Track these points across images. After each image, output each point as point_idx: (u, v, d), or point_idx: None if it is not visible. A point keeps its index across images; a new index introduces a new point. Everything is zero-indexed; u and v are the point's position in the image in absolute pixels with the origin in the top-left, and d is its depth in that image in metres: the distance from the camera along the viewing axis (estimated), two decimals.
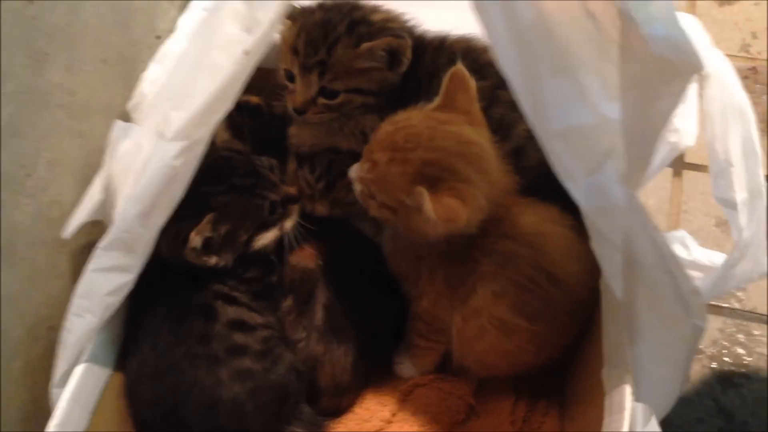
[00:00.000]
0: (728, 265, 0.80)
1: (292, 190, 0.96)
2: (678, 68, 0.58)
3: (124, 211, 0.77)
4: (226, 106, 0.77)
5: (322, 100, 0.95)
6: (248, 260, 0.93)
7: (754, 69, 1.50)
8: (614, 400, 0.76)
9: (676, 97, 0.61)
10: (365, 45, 0.91)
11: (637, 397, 0.73)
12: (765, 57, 1.53)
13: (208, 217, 0.85)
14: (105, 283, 0.79)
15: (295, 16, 0.95)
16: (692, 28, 0.85)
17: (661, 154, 0.86)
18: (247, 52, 0.73)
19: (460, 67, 0.83)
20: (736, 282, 0.80)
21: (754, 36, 1.57)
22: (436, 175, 0.79)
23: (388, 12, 0.98)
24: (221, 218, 0.87)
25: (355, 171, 0.86)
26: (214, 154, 0.91)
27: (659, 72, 0.59)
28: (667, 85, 0.60)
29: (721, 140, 0.80)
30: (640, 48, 0.57)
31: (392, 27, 0.95)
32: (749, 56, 1.53)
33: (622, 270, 0.70)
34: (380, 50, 0.92)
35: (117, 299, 0.80)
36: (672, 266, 0.66)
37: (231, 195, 0.89)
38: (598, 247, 0.73)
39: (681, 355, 0.71)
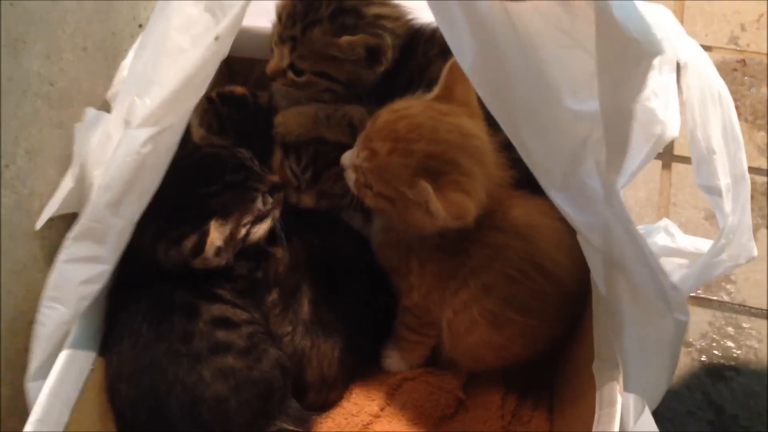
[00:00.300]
0: (715, 252, 0.79)
1: (275, 178, 0.95)
2: (642, 50, 0.58)
3: (93, 200, 0.75)
4: (197, 93, 0.75)
5: (290, 75, 0.95)
6: (241, 254, 0.92)
7: (742, 61, 1.50)
8: (605, 393, 0.76)
9: (642, 79, 0.61)
10: (344, 39, 0.90)
11: (627, 389, 0.73)
12: (753, 49, 1.53)
13: (214, 224, 0.84)
14: (77, 273, 0.77)
15: None
16: (662, 16, 0.84)
17: (647, 146, 0.85)
18: (218, 37, 0.71)
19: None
20: (723, 268, 0.80)
21: (742, 28, 1.57)
22: (439, 168, 0.78)
23: (389, 6, 0.97)
24: (223, 219, 0.86)
25: (348, 158, 0.85)
26: (199, 152, 0.89)
27: (627, 53, 0.58)
28: (635, 67, 0.60)
29: (702, 128, 0.80)
30: (611, 29, 0.57)
31: (383, 24, 0.93)
32: (738, 48, 1.53)
33: (602, 265, 0.69)
34: (358, 47, 0.90)
35: (91, 290, 0.78)
36: (651, 261, 0.66)
37: (226, 193, 0.88)
38: (583, 242, 0.73)
39: (665, 348, 0.71)
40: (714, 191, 0.80)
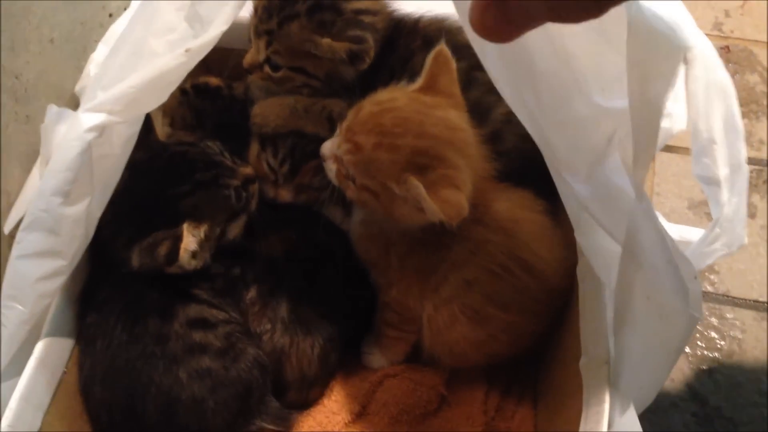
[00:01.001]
0: (708, 241, 0.79)
1: (248, 170, 0.92)
2: (672, 44, 0.58)
3: (40, 188, 0.73)
4: (157, 98, 0.73)
5: (267, 69, 0.93)
6: (218, 252, 0.89)
7: (726, 48, 1.49)
8: (593, 392, 0.74)
9: (672, 73, 0.60)
10: (326, 41, 0.87)
11: (618, 386, 0.72)
12: (738, 36, 1.52)
13: (186, 228, 0.82)
14: (32, 270, 0.75)
15: None
16: (674, 7, 0.83)
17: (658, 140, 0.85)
18: (188, 50, 0.69)
19: (443, 48, 0.80)
20: (716, 256, 0.79)
21: (726, 14, 1.56)
22: (426, 163, 0.76)
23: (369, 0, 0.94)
24: (196, 222, 0.84)
25: (329, 149, 0.82)
26: (167, 151, 0.87)
27: (657, 49, 0.59)
28: (665, 62, 0.60)
29: (704, 118, 0.79)
30: (641, 25, 0.57)
31: (362, 20, 0.91)
32: (722, 35, 1.52)
33: (620, 260, 0.68)
34: (339, 51, 0.88)
35: (50, 287, 0.76)
36: (676, 256, 0.65)
37: (198, 194, 0.85)
38: (586, 239, 0.71)
39: (672, 345, 0.70)
40: (711, 181, 0.80)
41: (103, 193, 0.75)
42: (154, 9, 0.73)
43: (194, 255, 0.83)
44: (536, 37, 0.63)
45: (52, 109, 0.80)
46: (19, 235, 0.74)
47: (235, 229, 0.90)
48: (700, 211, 1.29)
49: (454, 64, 0.81)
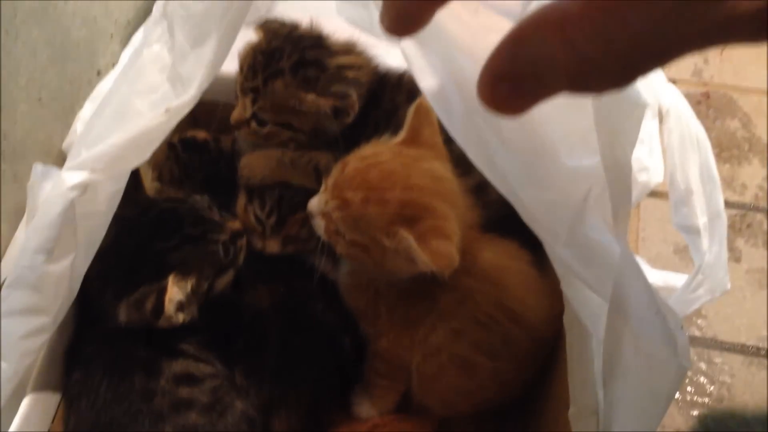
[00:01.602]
0: (692, 288, 0.80)
1: (236, 225, 0.93)
2: (630, 103, 0.60)
3: (23, 245, 0.73)
4: (140, 156, 0.74)
5: (253, 125, 0.94)
6: (205, 305, 0.89)
7: (706, 94, 1.51)
8: None
9: (635, 133, 0.62)
10: (310, 98, 0.89)
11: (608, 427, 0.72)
12: (717, 82, 1.55)
13: (172, 279, 0.81)
14: (16, 327, 0.74)
15: (262, 28, 0.93)
16: None
17: (634, 194, 0.86)
18: (168, 110, 0.70)
19: (423, 100, 0.81)
20: (700, 302, 0.80)
21: (705, 61, 1.59)
22: (415, 215, 0.76)
23: (353, 54, 0.96)
24: (183, 275, 0.83)
25: (315, 206, 0.83)
26: (156, 207, 0.87)
27: (618, 108, 0.60)
28: (627, 121, 0.61)
29: (681, 170, 0.81)
30: None
31: (346, 75, 0.92)
32: (702, 81, 1.55)
33: (607, 314, 0.68)
34: (323, 106, 0.89)
35: (34, 345, 0.75)
36: (662, 308, 0.65)
37: (185, 248, 0.85)
38: (572, 291, 0.72)
39: (662, 395, 0.70)
40: (691, 230, 0.81)
41: (87, 250, 0.75)
42: (138, 69, 0.74)
43: (181, 307, 0.83)
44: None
45: (38, 168, 0.80)
46: (3, 293, 0.73)
47: (222, 283, 0.89)
48: (686, 255, 1.30)
49: (435, 116, 0.82)
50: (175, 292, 0.81)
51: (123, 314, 0.81)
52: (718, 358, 1.19)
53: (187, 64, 0.71)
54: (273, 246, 0.98)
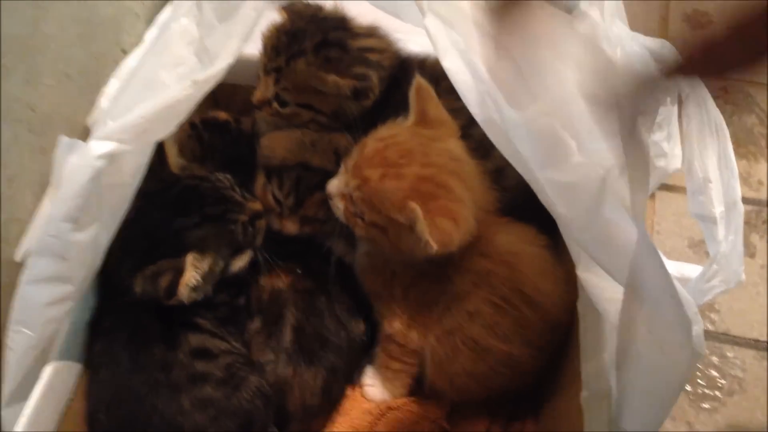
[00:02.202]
0: (706, 278, 0.79)
1: (257, 206, 0.93)
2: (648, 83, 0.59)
3: (50, 213, 0.74)
4: (165, 127, 0.75)
5: (275, 105, 0.95)
6: (220, 284, 0.90)
7: (724, 89, 1.51)
8: (594, 426, 0.75)
9: (653, 113, 0.61)
10: (332, 78, 0.90)
11: (620, 421, 0.72)
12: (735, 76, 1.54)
13: (190, 260, 0.82)
14: (41, 295, 0.75)
15: (286, 9, 0.94)
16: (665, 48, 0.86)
17: (652, 180, 0.86)
18: (195, 82, 0.71)
19: (419, 79, 0.83)
20: (714, 293, 0.80)
21: None
22: (431, 192, 0.77)
23: (375, 38, 0.97)
24: (200, 254, 0.84)
25: (335, 187, 0.84)
26: (179, 183, 0.88)
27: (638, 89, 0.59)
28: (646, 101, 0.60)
29: (699, 157, 0.81)
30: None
31: (368, 57, 0.93)
32: None
33: (623, 297, 0.69)
34: (344, 87, 0.90)
35: (57, 312, 0.76)
36: (679, 294, 0.65)
37: (205, 227, 0.86)
38: (588, 276, 0.73)
39: (674, 380, 0.70)
40: (708, 219, 0.81)
41: (111, 220, 0.76)
42: (165, 43, 0.75)
43: (194, 289, 0.84)
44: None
45: (63, 140, 0.82)
46: (28, 261, 0.75)
47: (239, 263, 0.90)
48: (700, 249, 1.30)
49: (433, 91, 0.83)
50: (191, 275, 0.82)
51: (138, 286, 0.81)
52: (730, 352, 1.19)
53: (215, 38, 0.72)
54: (290, 226, 0.99)
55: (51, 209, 0.73)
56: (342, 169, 0.85)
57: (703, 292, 0.81)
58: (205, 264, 0.84)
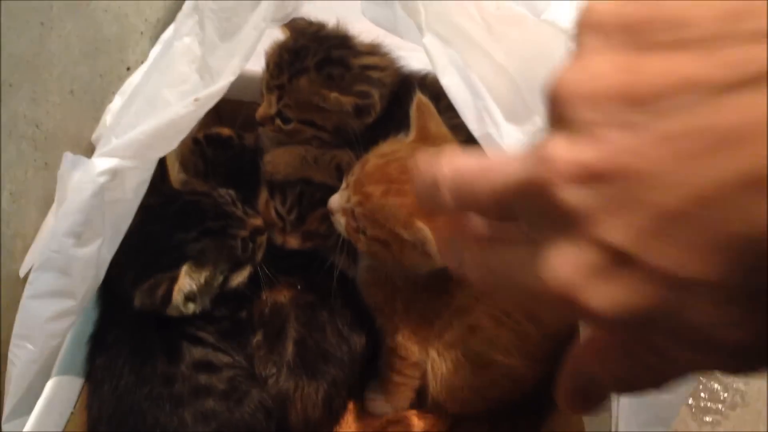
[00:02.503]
0: None
1: (257, 221, 0.94)
2: None
3: (53, 229, 0.74)
4: (168, 144, 0.76)
5: (278, 122, 0.96)
6: (221, 299, 0.91)
7: None
8: None
9: None
10: (333, 95, 0.91)
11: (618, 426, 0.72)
12: None
13: (185, 269, 0.83)
14: (43, 309, 0.76)
15: (289, 26, 0.95)
16: None
17: None
18: (197, 99, 0.72)
19: (420, 96, 0.83)
20: None
21: None
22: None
23: (377, 56, 0.98)
24: (198, 266, 0.85)
25: (337, 202, 0.84)
26: (180, 199, 0.89)
27: None
28: None
29: None
30: None
31: (370, 75, 0.94)
32: None
33: None
34: (346, 104, 0.91)
35: (60, 327, 0.77)
36: None
37: (204, 240, 0.87)
38: None
39: (675, 391, 0.70)
40: None
41: (114, 236, 0.77)
42: (169, 61, 0.76)
43: (191, 298, 0.84)
44: None
45: (68, 157, 0.83)
46: (31, 276, 0.75)
47: (238, 278, 0.91)
48: None
49: (433, 108, 0.83)
50: (185, 282, 0.82)
51: (137, 299, 0.82)
52: None
53: (217, 56, 0.73)
54: (293, 241, 1.00)
55: (54, 224, 0.74)
56: (344, 185, 0.85)
57: None
58: (201, 276, 0.85)
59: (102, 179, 0.73)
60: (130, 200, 0.77)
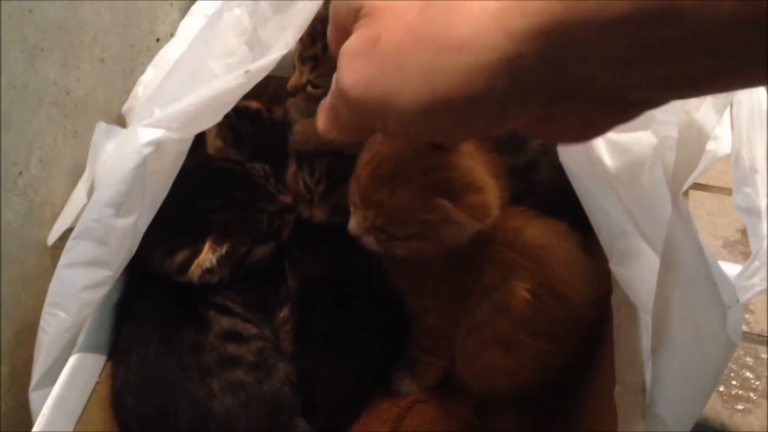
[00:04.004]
0: (745, 276, 0.77)
1: (288, 199, 0.93)
2: None
3: (93, 198, 0.74)
4: (214, 117, 0.74)
5: (310, 89, 0.96)
6: (245, 271, 0.90)
7: None
8: (627, 421, 0.73)
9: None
10: None
11: (654, 416, 0.70)
12: None
13: (209, 245, 0.82)
14: (78, 278, 0.75)
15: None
16: None
17: (702, 163, 0.84)
18: (247, 72, 0.71)
19: None
20: (754, 291, 0.77)
21: None
22: (443, 178, 0.76)
23: None
24: (221, 237, 0.84)
25: (357, 227, 0.82)
26: (212, 164, 0.88)
27: None
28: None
29: (748, 146, 0.78)
30: None
31: None
32: None
33: (657, 277, 0.68)
34: None
35: (94, 297, 0.77)
36: (714, 274, 0.64)
37: (230, 211, 0.86)
38: (621, 268, 0.73)
39: (709, 370, 0.68)
40: (752, 212, 0.78)
41: (151, 207, 0.77)
42: (215, 33, 0.75)
43: (209, 271, 0.83)
44: None
45: (101, 126, 0.82)
46: (68, 244, 0.75)
47: (260, 253, 0.90)
48: (735, 250, 1.28)
49: None
50: (206, 258, 0.82)
51: (157, 260, 0.82)
52: (764, 353, 1.17)
53: (268, 29, 0.71)
54: (320, 214, 0.98)
55: (95, 194, 0.74)
56: (351, 209, 0.83)
57: (742, 290, 0.78)
58: (223, 248, 0.84)
59: (147, 150, 0.72)
60: (168, 172, 0.76)
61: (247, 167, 0.91)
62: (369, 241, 0.82)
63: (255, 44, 0.73)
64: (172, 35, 1.04)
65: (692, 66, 0.31)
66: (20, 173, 0.81)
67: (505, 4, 0.35)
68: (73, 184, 0.88)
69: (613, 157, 0.68)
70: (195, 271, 0.81)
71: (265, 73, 0.74)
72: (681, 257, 0.65)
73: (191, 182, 0.82)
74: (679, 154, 0.63)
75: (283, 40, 0.72)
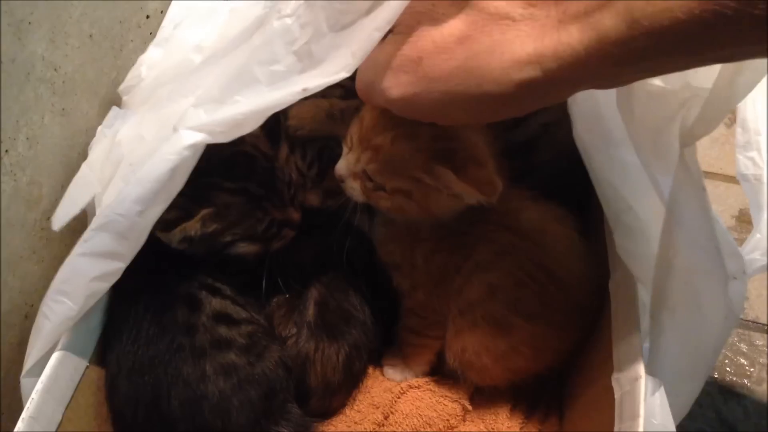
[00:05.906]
0: (746, 251, 0.76)
1: (295, 215, 0.91)
2: None
3: (123, 192, 0.72)
4: (256, 124, 0.73)
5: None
6: (220, 258, 0.88)
7: None
8: (626, 406, 0.72)
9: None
10: None
11: (654, 397, 0.69)
12: None
13: (202, 214, 0.81)
14: (91, 268, 0.74)
15: None
16: None
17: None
18: (305, 89, 0.70)
19: None
20: (754, 267, 0.76)
21: None
22: (449, 147, 0.74)
23: None
24: (215, 216, 0.82)
25: (345, 168, 0.81)
26: (239, 145, 0.86)
27: None
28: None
29: (753, 107, 0.76)
30: None
31: None
32: None
33: (660, 236, 0.67)
34: None
35: (102, 287, 0.75)
36: (719, 237, 0.63)
37: (236, 197, 0.84)
38: (624, 240, 0.72)
39: (708, 345, 0.68)
40: (755, 180, 0.77)
41: (166, 201, 0.75)
42: (265, 39, 0.73)
43: (189, 240, 0.82)
44: None
45: (114, 111, 0.80)
46: (87, 234, 0.73)
47: (244, 249, 0.88)
48: (736, 236, 1.28)
49: None
50: (194, 226, 0.80)
51: None
52: (759, 340, 1.17)
53: (322, 44, 0.69)
54: (313, 198, 0.97)
55: (125, 188, 0.72)
56: (345, 149, 0.82)
57: (746, 264, 0.77)
58: (212, 227, 0.83)
59: (186, 153, 0.71)
60: (190, 167, 0.75)
61: (275, 165, 0.89)
62: (353, 186, 0.81)
63: (305, 56, 0.71)
64: (162, 12, 1.02)
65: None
66: (6, 151, 0.79)
67: (539, 47, 0.48)
68: (62, 163, 0.86)
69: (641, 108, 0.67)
70: (177, 233, 0.80)
71: (319, 91, 0.73)
72: (684, 214, 0.63)
73: (215, 154, 0.80)
74: (703, 116, 0.62)
75: (341, 60, 0.70)
